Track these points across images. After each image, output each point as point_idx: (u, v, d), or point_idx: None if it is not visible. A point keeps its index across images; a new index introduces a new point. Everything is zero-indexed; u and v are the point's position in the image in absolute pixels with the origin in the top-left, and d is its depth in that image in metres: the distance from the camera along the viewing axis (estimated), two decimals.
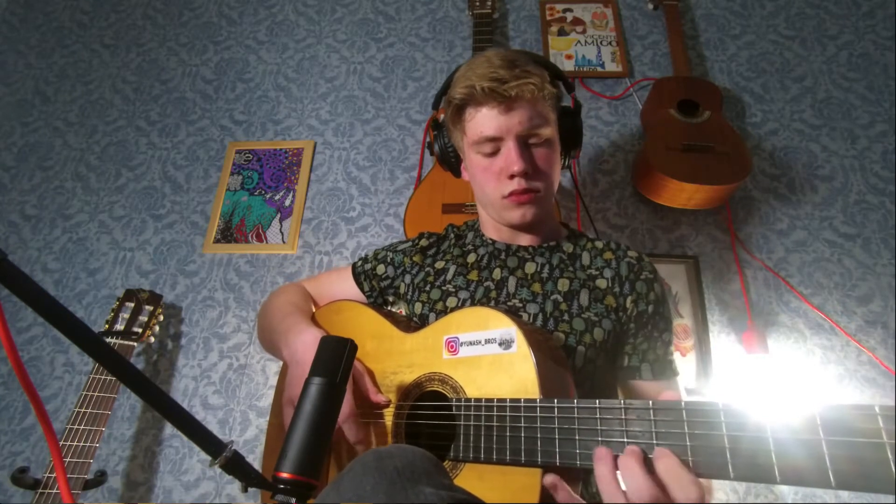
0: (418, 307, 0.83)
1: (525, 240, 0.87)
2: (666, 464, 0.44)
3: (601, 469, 0.47)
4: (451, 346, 0.67)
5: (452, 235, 0.93)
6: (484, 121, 0.76)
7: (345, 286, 0.94)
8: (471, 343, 0.65)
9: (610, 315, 0.77)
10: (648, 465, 0.46)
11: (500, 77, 0.73)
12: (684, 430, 0.44)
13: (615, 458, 0.47)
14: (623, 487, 0.46)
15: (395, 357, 0.74)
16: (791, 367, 1.20)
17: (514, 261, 0.84)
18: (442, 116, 0.89)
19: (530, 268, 0.83)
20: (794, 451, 0.39)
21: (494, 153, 0.78)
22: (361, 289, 0.93)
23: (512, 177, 0.76)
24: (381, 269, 0.92)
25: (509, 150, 0.76)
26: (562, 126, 0.83)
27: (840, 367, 1.20)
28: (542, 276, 0.81)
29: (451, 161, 0.91)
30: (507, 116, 0.75)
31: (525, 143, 0.77)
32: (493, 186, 0.79)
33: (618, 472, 0.47)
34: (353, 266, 0.95)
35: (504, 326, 0.62)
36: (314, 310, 0.92)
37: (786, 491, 1.12)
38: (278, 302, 0.90)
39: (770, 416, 0.41)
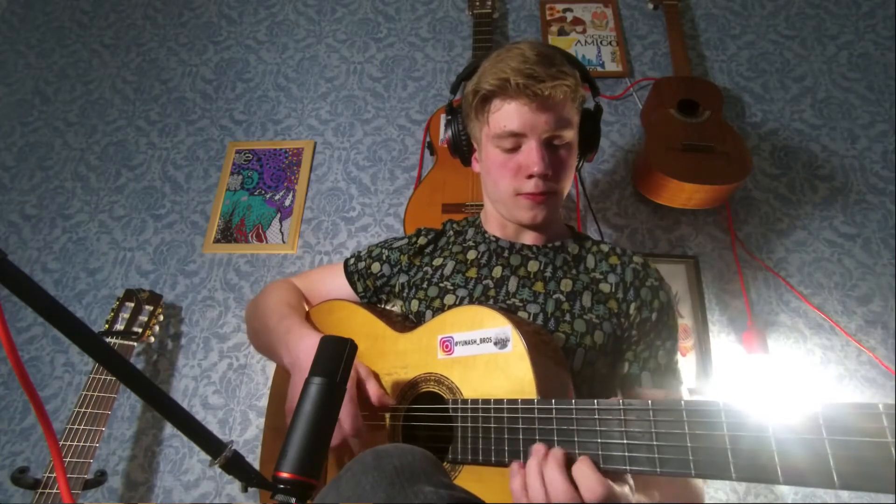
0: (415, 304, 0.81)
1: (529, 238, 0.85)
2: (578, 466, 0.47)
3: (531, 464, 0.50)
4: (446, 346, 0.66)
5: (451, 232, 0.92)
6: (511, 115, 0.74)
7: (337, 283, 0.92)
8: (465, 343, 0.64)
9: (611, 319, 0.76)
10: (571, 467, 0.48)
11: (537, 74, 0.71)
12: (685, 431, 0.44)
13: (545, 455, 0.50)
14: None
15: (389, 358, 0.73)
16: (791, 367, 1.20)
17: (517, 259, 0.83)
18: (458, 103, 0.87)
19: (533, 266, 0.81)
20: (796, 451, 0.39)
21: (514, 149, 0.76)
22: (354, 289, 0.91)
23: (530, 176, 0.75)
24: (375, 267, 0.90)
25: (532, 149, 0.74)
26: (582, 128, 0.81)
27: (840, 367, 1.20)
28: (544, 276, 0.80)
29: (462, 150, 0.89)
30: (535, 115, 0.73)
31: (548, 144, 0.75)
32: (507, 182, 0.77)
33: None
34: (346, 263, 0.93)
35: (499, 325, 0.61)
36: (307, 309, 0.90)
37: (786, 491, 1.12)
38: (271, 302, 0.87)
39: (772, 416, 0.40)
